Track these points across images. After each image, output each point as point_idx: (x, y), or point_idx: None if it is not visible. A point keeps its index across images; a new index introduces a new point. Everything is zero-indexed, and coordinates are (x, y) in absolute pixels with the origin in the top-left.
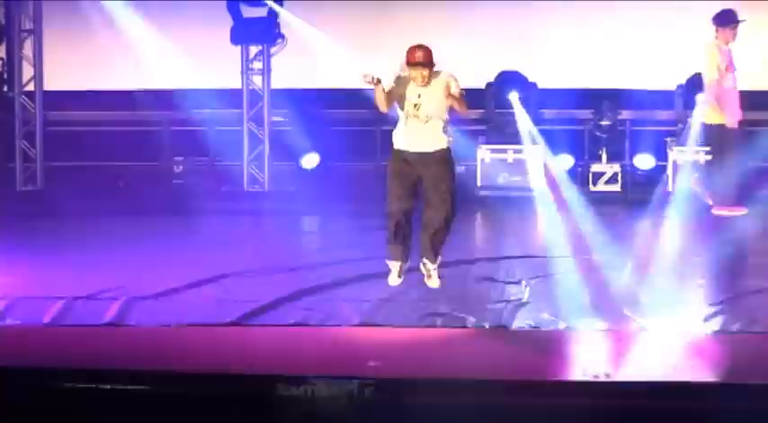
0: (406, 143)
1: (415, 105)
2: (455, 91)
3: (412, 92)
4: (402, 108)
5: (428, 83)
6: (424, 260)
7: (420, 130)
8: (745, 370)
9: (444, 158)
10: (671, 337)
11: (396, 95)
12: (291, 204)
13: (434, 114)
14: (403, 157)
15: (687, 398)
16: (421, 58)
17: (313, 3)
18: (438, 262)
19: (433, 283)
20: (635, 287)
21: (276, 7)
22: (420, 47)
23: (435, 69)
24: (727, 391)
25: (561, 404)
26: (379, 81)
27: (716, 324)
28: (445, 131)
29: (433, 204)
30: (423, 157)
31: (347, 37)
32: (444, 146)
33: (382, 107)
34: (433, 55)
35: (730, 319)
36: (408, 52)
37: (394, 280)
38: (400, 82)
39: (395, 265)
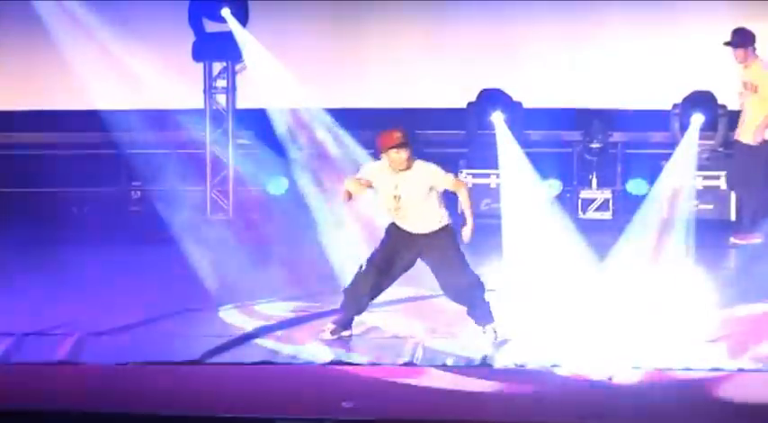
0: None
1: (395, 197)
2: (450, 186)
3: (387, 184)
4: (382, 203)
5: (408, 168)
6: (485, 328)
7: (409, 219)
8: None
9: (444, 237)
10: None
11: (369, 186)
12: (258, 233)
13: (419, 201)
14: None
15: None
16: (400, 139)
17: (284, 19)
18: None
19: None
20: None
21: (235, 27)
22: (396, 129)
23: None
24: None
25: None
26: (350, 196)
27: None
28: (438, 209)
29: (452, 283)
30: (422, 236)
31: (323, 54)
32: (441, 224)
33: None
34: None
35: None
36: (384, 136)
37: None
38: (371, 174)
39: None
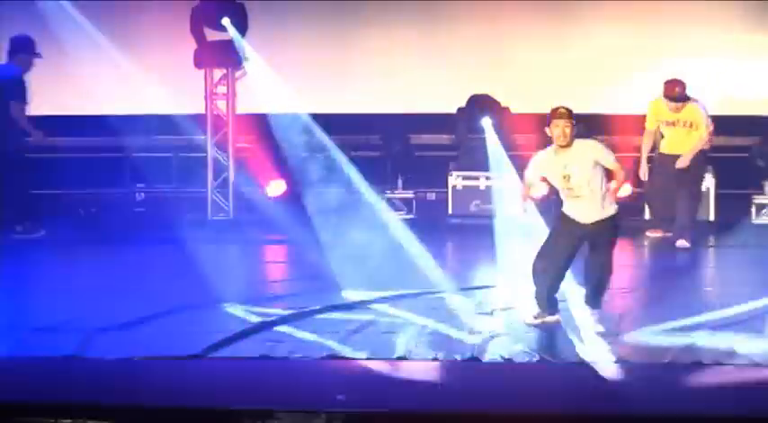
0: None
1: (565, 177)
2: (611, 164)
3: (556, 167)
4: (557, 188)
5: (570, 144)
6: (594, 312)
7: (582, 200)
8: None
9: (611, 227)
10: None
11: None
12: (257, 233)
13: (588, 178)
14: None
15: None
16: (564, 111)
17: (282, 27)
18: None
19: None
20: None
21: (235, 36)
22: (561, 106)
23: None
24: None
25: None
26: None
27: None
28: (607, 192)
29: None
30: (590, 227)
31: (317, 61)
32: (609, 213)
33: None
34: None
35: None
36: (552, 110)
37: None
38: (538, 164)
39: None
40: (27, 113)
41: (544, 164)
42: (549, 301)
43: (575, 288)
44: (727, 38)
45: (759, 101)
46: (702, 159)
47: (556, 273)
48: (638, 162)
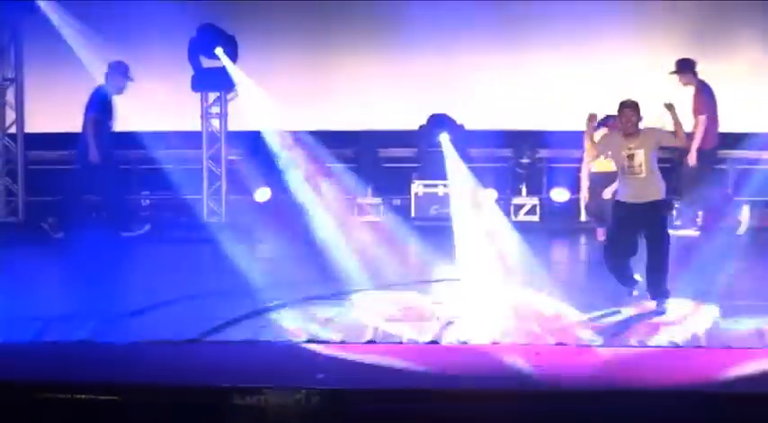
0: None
1: (629, 156)
2: (670, 140)
3: (621, 145)
4: (618, 166)
5: (635, 134)
6: (659, 300)
7: (639, 180)
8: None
9: (661, 209)
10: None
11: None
12: (246, 234)
13: (648, 159)
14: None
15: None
16: (630, 101)
17: (268, 55)
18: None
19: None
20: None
21: (227, 63)
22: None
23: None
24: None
25: (488, 410)
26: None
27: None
28: (661, 178)
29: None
30: (642, 208)
31: (300, 85)
32: (660, 196)
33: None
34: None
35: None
36: (621, 102)
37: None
38: (605, 138)
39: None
40: (112, 130)
41: (611, 141)
42: (630, 280)
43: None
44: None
45: None
46: None
47: (625, 258)
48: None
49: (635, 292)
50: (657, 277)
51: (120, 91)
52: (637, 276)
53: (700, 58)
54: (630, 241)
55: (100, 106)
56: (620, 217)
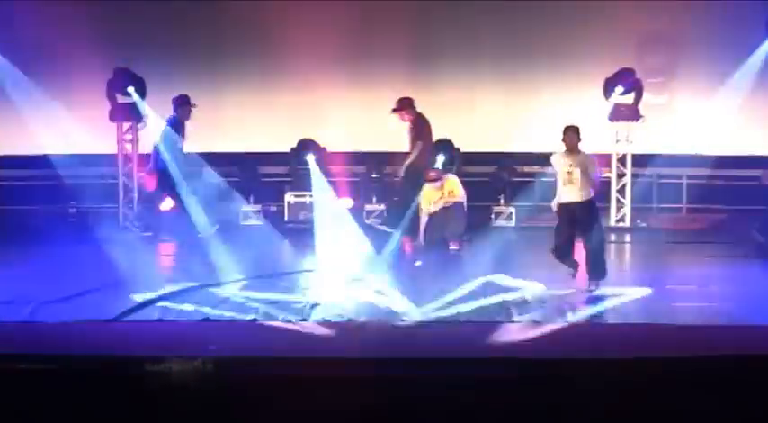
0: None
1: (569, 172)
2: (592, 171)
3: (564, 163)
4: (560, 177)
5: (576, 152)
6: (591, 282)
7: (574, 187)
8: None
9: (590, 207)
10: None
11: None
12: (153, 235)
13: (582, 174)
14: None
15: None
16: (571, 129)
17: (168, 93)
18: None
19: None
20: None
21: (137, 99)
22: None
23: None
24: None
25: (345, 375)
26: None
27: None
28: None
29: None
30: (578, 205)
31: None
32: (589, 197)
33: None
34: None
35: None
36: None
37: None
38: (556, 158)
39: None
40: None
41: (559, 160)
42: (572, 262)
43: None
44: None
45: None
46: None
47: (567, 247)
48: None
49: (576, 273)
50: (594, 260)
51: (187, 117)
52: (575, 260)
53: None
54: (570, 233)
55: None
56: (563, 215)
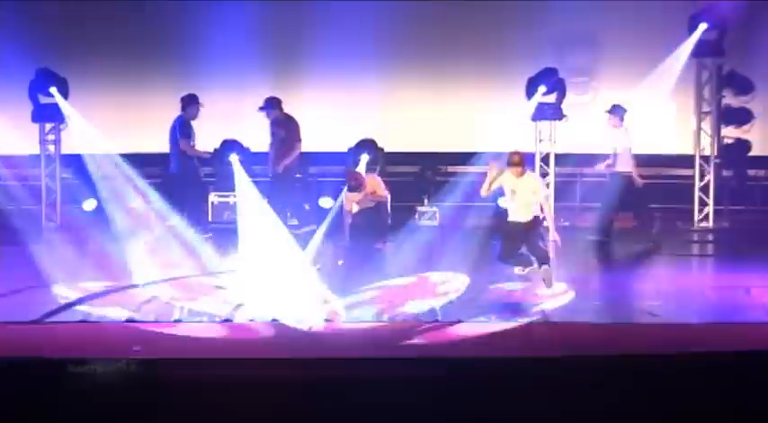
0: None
1: (513, 191)
2: (542, 198)
3: (510, 184)
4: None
5: (522, 175)
6: (542, 267)
7: (519, 208)
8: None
9: (536, 225)
10: None
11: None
12: (78, 235)
13: (526, 197)
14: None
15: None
16: (516, 158)
17: (91, 94)
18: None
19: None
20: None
21: (60, 100)
22: (516, 152)
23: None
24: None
25: (272, 376)
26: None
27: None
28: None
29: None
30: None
31: (117, 117)
32: (533, 216)
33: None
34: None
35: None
36: (510, 155)
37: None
38: (502, 176)
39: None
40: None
41: (506, 179)
42: (522, 261)
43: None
44: None
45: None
46: None
47: (515, 252)
48: None
49: (525, 270)
50: (539, 256)
51: (195, 117)
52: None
53: None
54: (515, 245)
55: (185, 130)
56: (508, 229)
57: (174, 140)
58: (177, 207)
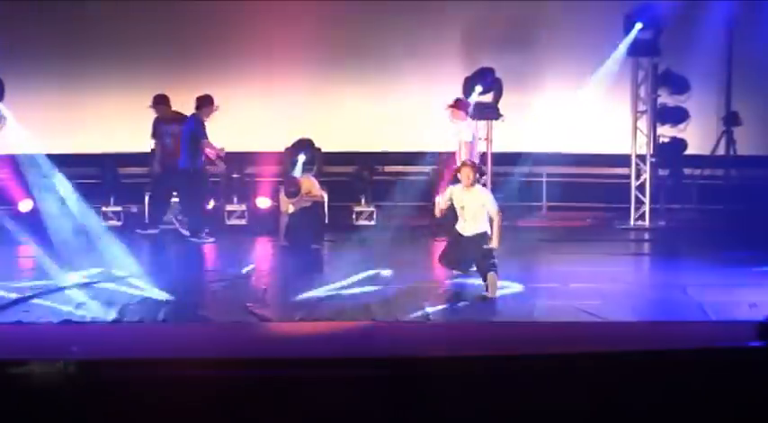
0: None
1: (462, 207)
2: (492, 212)
3: (459, 198)
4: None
5: (471, 185)
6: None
7: (467, 222)
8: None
9: (483, 239)
10: None
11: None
12: (13, 236)
13: (475, 211)
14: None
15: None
16: (467, 164)
17: (28, 93)
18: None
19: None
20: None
21: None
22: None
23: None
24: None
25: (210, 375)
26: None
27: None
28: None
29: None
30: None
31: (55, 118)
32: (482, 230)
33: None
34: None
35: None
36: (462, 162)
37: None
38: (451, 192)
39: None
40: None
41: (454, 194)
42: (462, 269)
43: None
44: None
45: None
46: None
47: (457, 262)
48: None
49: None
50: (484, 267)
51: (208, 117)
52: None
53: None
54: (458, 256)
55: (201, 130)
56: (455, 241)
57: (188, 138)
58: (182, 203)
